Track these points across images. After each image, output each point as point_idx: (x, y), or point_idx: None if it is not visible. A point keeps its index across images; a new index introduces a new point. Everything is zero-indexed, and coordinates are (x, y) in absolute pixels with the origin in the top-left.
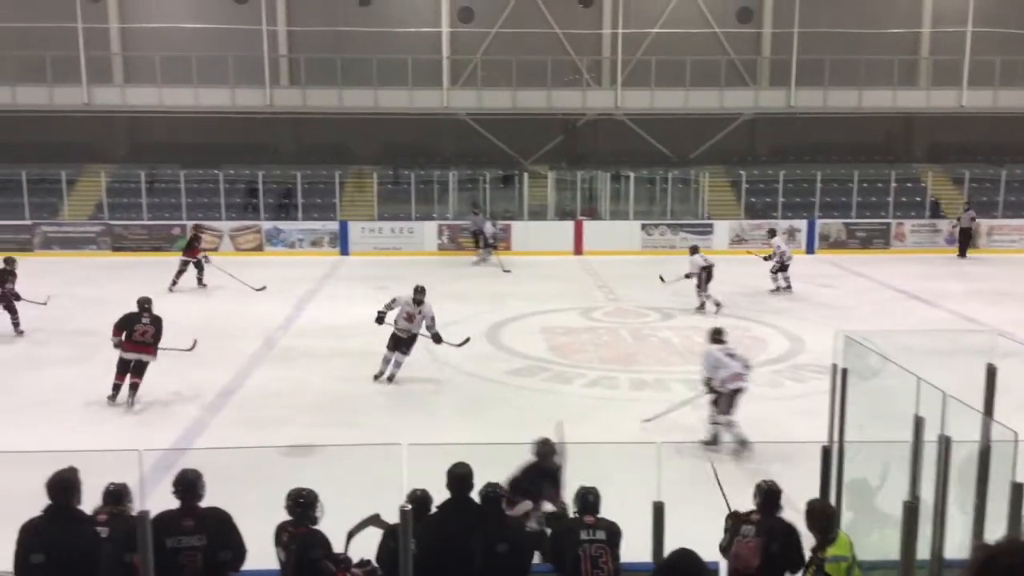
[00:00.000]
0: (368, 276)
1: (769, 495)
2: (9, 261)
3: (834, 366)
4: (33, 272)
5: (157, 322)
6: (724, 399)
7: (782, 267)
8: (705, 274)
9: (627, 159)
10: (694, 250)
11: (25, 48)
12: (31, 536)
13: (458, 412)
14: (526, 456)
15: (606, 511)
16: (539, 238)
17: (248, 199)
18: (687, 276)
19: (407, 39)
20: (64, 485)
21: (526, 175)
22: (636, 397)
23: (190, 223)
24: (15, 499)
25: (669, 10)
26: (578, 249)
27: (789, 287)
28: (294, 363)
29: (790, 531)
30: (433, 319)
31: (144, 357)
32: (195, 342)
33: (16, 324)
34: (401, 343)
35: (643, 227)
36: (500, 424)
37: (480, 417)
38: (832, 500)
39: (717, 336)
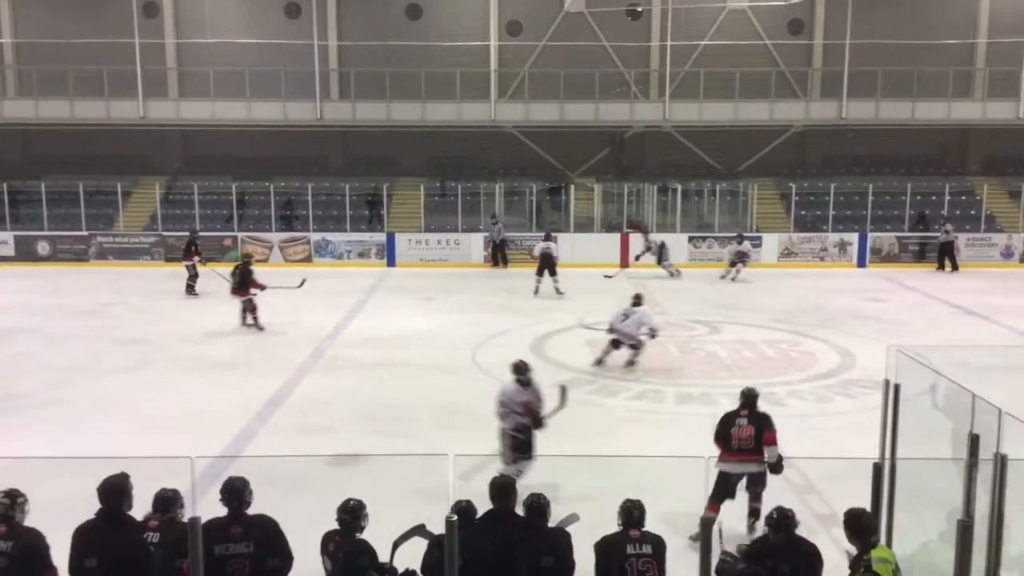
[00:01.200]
0: (415, 287)
1: (750, 397)
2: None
3: (886, 381)
4: (88, 283)
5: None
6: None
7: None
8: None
9: (674, 171)
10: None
11: (83, 63)
12: (84, 540)
13: None
14: (570, 467)
15: (651, 525)
16: (585, 250)
17: (283, 211)
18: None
19: (455, 52)
20: (115, 490)
21: (573, 187)
22: (682, 411)
23: (241, 234)
24: (70, 504)
25: (719, 22)
26: (624, 262)
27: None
28: (341, 373)
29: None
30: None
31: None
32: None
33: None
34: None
35: (690, 240)
36: (546, 435)
37: None
38: (883, 518)
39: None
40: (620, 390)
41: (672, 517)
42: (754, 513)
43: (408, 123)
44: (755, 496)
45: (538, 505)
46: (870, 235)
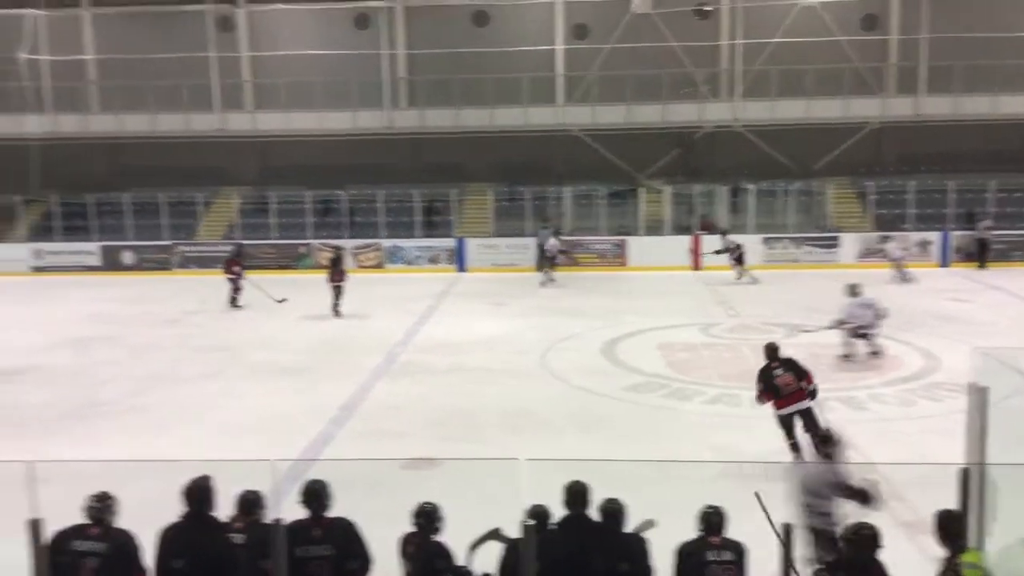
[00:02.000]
0: (484, 292)
1: (773, 349)
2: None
3: (972, 384)
4: (170, 291)
5: None
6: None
7: (739, 260)
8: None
9: (746, 171)
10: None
11: (163, 78)
12: (172, 541)
13: (574, 428)
14: (644, 473)
15: (731, 532)
16: (655, 253)
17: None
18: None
19: (522, 57)
20: (200, 493)
21: (642, 190)
22: (759, 415)
23: (315, 242)
24: (154, 505)
25: (790, 19)
26: (696, 264)
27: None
28: (413, 378)
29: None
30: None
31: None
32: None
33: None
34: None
35: (764, 241)
36: (618, 440)
37: (597, 433)
38: (972, 525)
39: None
40: (694, 394)
41: (750, 524)
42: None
43: (476, 129)
44: (811, 424)
45: (613, 510)
46: (951, 234)
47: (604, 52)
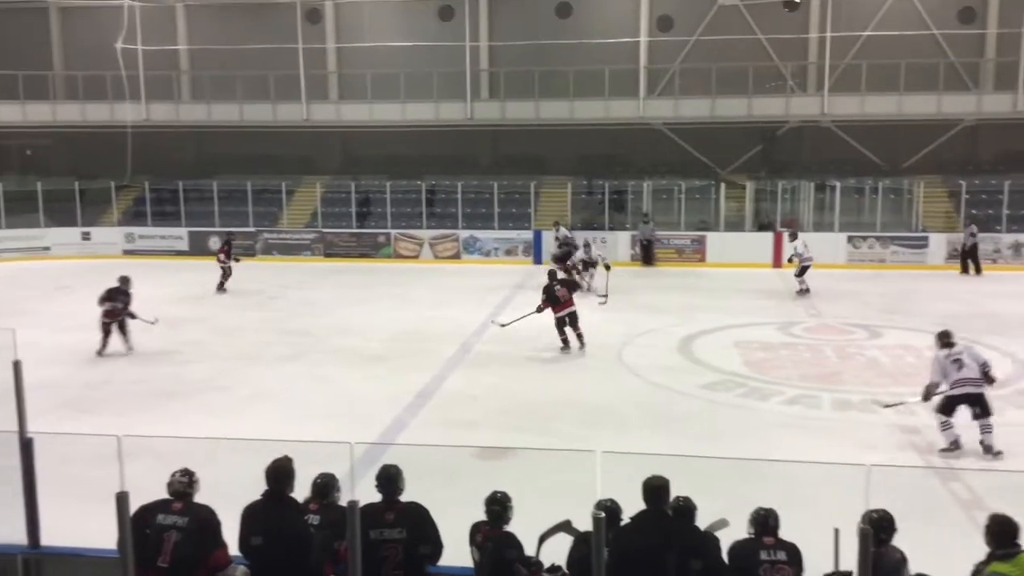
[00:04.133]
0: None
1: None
2: (124, 281)
3: None
4: (254, 276)
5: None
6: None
7: (803, 270)
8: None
9: (833, 168)
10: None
11: (251, 68)
12: (251, 519)
13: (648, 424)
14: (718, 471)
15: (804, 535)
16: (735, 250)
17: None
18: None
19: (604, 49)
20: (281, 473)
21: (723, 185)
22: (839, 418)
23: (394, 231)
24: (234, 484)
25: (883, 12)
26: (777, 262)
27: (807, 290)
28: (488, 368)
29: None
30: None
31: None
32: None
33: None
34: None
35: (850, 240)
36: (692, 438)
37: (670, 430)
38: None
39: (945, 339)
40: (773, 394)
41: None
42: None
43: (556, 121)
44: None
45: (686, 508)
46: None
47: (689, 45)
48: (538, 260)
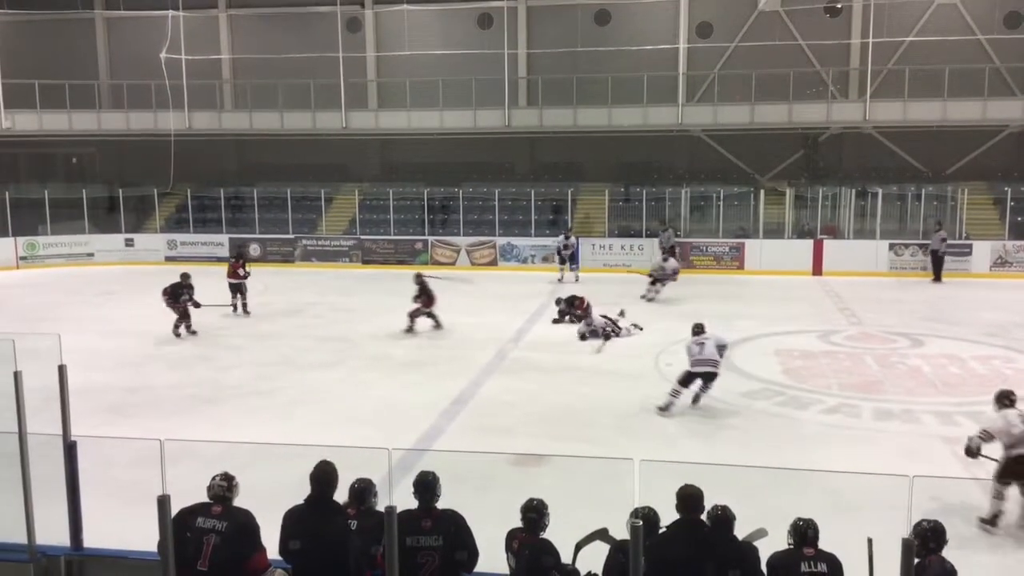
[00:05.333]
0: (598, 292)
1: None
2: (184, 276)
3: None
4: (293, 283)
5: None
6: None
7: None
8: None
9: (874, 174)
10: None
11: (292, 77)
12: (292, 523)
13: (686, 432)
14: (757, 481)
15: (844, 547)
16: (775, 257)
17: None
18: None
19: (642, 56)
20: (325, 478)
21: (762, 192)
22: (880, 428)
23: (432, 238)
24: (276, 487)
25: (926, 17)
26: (817, 269)
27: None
28: (524, 376)
29: None
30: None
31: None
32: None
33: (188, 327)
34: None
35: (891, 247)
36: (730, 447)
37: (709, 438)
38: None
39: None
40: (812, 403)
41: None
42: None
43: (594, 128)
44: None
45: (724, 517)
46: None
47: (729, 51)
48: (575, 267)
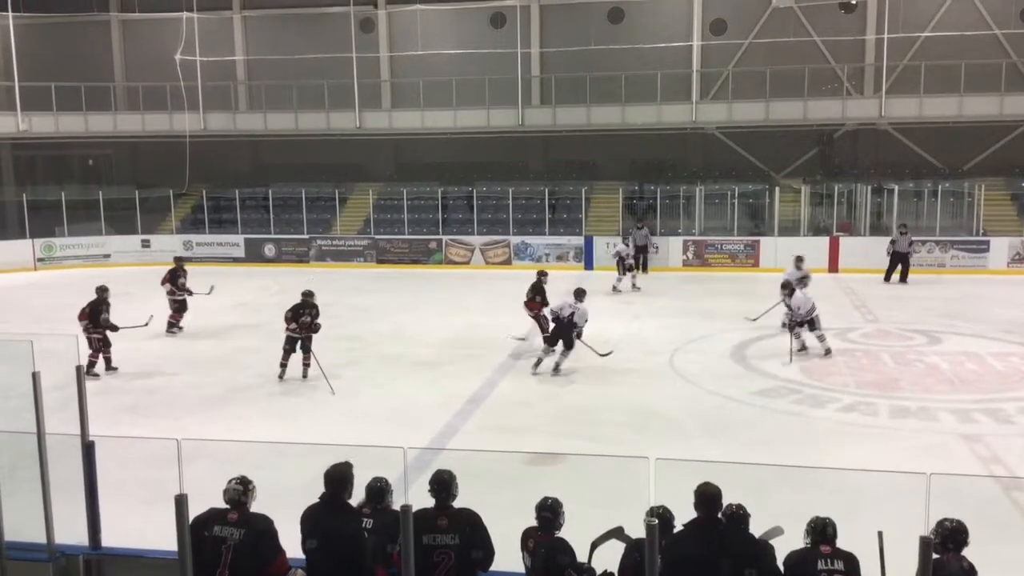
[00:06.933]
0: (612, 291)
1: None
2: (101, 290)
3: None
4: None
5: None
6: None
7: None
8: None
9: (890, 171)
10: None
11: (306, 78)
12: (308, 523)
13: (701, 430)
14: (773, 479)
15: (862, 545)
16: (790, 254)
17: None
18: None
19: (656, 54)
20: (340, 478)
21: (777, 189)
22: (896, 426)
23: (446, 238)
24: (293, 485)
25: (941, 12)
26: (833, 267)
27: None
28: (539, 375)
29: None
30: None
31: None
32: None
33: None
34: None
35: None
36: (746, 445)
37: (725, 437)
38: None
39: None
40: (828, 401)
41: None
42: None
43: (608, 127)
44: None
45: (739, 515)
46: None
47: (743, 48)
48: (589, 266)
